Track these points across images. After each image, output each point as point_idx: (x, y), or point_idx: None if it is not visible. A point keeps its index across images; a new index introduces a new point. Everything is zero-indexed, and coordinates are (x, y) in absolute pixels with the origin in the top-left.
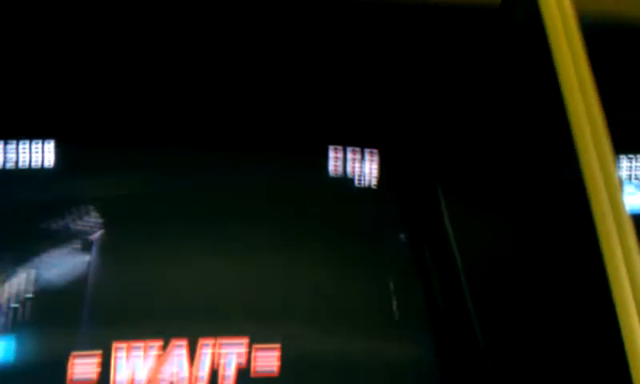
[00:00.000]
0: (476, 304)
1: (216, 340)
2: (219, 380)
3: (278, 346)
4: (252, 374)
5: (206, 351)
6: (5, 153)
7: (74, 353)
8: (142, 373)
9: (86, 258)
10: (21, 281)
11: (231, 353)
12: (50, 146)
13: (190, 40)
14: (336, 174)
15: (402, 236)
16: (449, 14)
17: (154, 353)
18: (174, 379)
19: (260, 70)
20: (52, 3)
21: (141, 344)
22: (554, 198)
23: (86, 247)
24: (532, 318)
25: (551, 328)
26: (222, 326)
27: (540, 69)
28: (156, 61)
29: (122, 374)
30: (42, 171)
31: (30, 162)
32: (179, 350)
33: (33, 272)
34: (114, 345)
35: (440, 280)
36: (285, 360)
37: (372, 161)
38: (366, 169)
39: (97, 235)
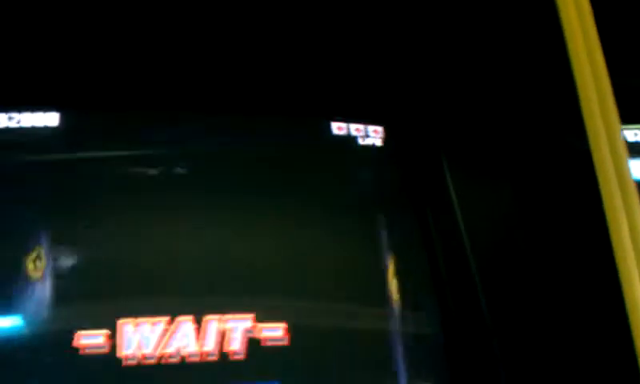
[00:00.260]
0: (481, 274)
1: (221, 317)
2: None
3: (283, 321)
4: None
5: (212, 327)
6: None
7: (81, 331)
8: (150, 347)
9: (91, 233)
10: (26, 257)
11: (237, 328)
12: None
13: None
14: (340, 142)
15: (407, 207)
16: None
17: (160, 328)
18: (183, 353)
19: (265, 45)
20: None
21: (146, 320)
22: (559, 166)
23: (90, 223)
24: (537, 288)
25: (555, 298)
26: (226, 302)
27: (547, 33)
28: (162, 24)
29: (129, 349)
30: (44, 138)
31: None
32: (186, 326)
33: (38, 248)
34: (119, 322)
35: (445, 251)
36: (291, 332)
37: (375, 131)
38: (369, 139)
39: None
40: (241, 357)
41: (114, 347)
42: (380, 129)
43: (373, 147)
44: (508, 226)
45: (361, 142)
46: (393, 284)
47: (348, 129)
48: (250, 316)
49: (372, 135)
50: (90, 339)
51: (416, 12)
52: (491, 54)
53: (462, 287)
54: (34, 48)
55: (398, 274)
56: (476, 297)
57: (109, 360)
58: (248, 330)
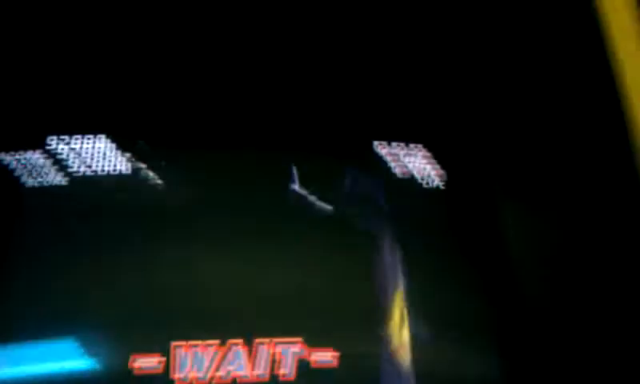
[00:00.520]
0: (534, 305)
1: (271, 340)
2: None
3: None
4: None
5: (263, 349)
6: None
7: (136, 354)
8: (202, 370)
9: (146, 261)
10: (82, 284)
11: (287, 352)
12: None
13: (241, 42)
14: (386, 173)
15: (458, 238)
16: None
17: (212, 351)
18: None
19: (304, 67)
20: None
21: (198, 343)
22: (610, 198)
23: (144, 250)
24: (590, 321)
25: (608, 330)
26: (276, 327)
27: (595, 54)
28: (209, 62)
29: (182, 372)
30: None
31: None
32: (237, 349)
33: (94, 275)
34: (173, 344)
35: (495, 275)
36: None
37: (421, 157)
38: (416, 166)
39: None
40: (291, 379)
41: (167, 369)
42: (437, 168)
43: (422, 184)
44: (560, 259)
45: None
46: (437, 314)
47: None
48: (299, 340)
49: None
50: (145, 361)
51: (464, 44)
52: (541, 86)
53: (515, 317)
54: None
55: (444, 305)
56: (529, 333)
57: (162, 382)
58: (298, 354)
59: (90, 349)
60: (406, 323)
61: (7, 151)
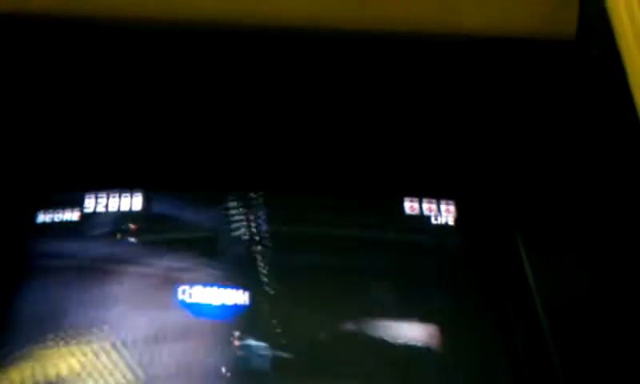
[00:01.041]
0: (560, 356)
1: None
2: None
3: None
4: None
5: None
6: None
7: None
8: None
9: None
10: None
11: None
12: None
13: (277, 95)
14: (413, 225)
15: (481, 287)
16: (524, 47)
17: None
18: None
19: (335, 122)
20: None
21: None
22: (635, 243)
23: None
24: (616, 366)
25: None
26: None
27: (618, 105)
28: (242, 109)
29: None
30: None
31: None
32: None
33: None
34: None
35: (521, 328)
36: None
37: (449, 211)
38: (442, 219)
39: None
40: None
41: None
42: (452, 208)
43: (446, 226)
44: (585, 306)
45: (434, 221)
46: (469, 368)
47: (421, 209)
48: None
49: (444, 215)
50: None
51: (485, 90)
52: (561, 128)
53: (540, 369)
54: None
55: (474, 359)
56: (555, 379)
57: None
58: None
59: None
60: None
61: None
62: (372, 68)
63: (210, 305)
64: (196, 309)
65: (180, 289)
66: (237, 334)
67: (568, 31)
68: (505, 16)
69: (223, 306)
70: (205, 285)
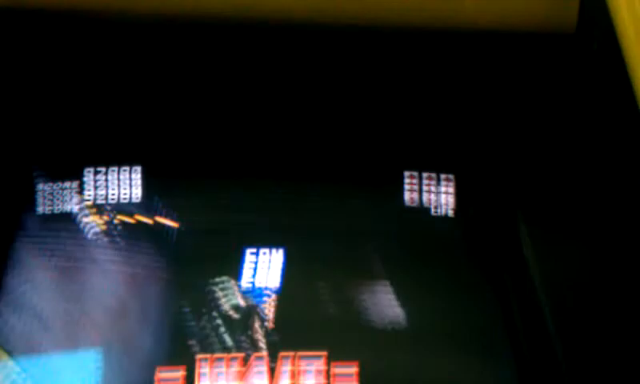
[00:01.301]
0: (558, 334)
1: (295, 354)
2: None
3: (355, 362)
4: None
5: (286, 365)
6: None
7: (160, 366)
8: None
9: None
10: (109, 297)
11: (310, 365)
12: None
13: (274, 74)
14: (412, 201)
15: (481, 264)
16: (525, 41)
17: (235, 367)
18: None
19: (335, 99)
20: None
21: (223, 356)
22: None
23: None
24: (616, 346)
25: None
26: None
27: (618, 96)
28: (243, 93)
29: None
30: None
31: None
32: (259, 363)
33: (120, 290)
34: (198, 357)
35: (520, 307)
36: (363, 377)
37: (448, 186)
38: (442, 195)
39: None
40: None
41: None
42: (452, 182)
43: (445, 200)
44: (586, 285)
45: (433, 195)
46: (468, 341)
47: (420, 183)
48: (323, 354)
49: (444, 188)
50: (169, 374)
51: (487, 70)
52: (562, 114)
53: (539, 346)
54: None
55: (474, 333)
56: (555, 358)
57: None
58: (321, 370)
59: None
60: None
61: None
62: (372, 54)
63: None
64: None
65: None
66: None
67: (568, 25)
68: (505, 9)
69: None
70: None
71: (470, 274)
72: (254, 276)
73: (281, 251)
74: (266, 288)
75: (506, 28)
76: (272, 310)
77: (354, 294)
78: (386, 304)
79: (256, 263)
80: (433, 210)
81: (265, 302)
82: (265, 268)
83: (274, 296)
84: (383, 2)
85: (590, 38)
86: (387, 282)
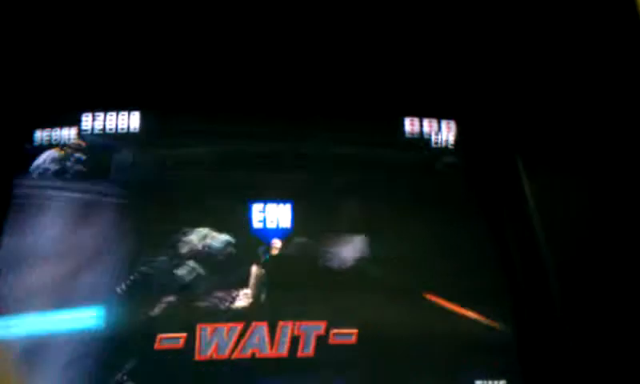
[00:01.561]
0: (556, 271)
1: (294, 322)
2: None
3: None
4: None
5: (286, 331)
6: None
7: (161, 334)
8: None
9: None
10: (114, 262)
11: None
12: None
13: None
14: (413, 144)
15: (482, 206)
16: None
17: (235, 332)
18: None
19: (336, 43)
20: None
21: (223, 325)
22: (635, 164)
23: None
24: (613, 290)
25: (632, 299)
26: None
27: (624, 29)
28: (240, 30)
29: (206, 352)
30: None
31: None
32: (260, 330)
33: (123, 254)
34: (199, 325)
35: (520, 250)
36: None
37: (449, 130)
38: (442, 137)
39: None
40: (310, 355)
41: (192, 349)
42: (453, 127)
43: (446, 145)
44: (584, 224)
45: (434, 140)
46: (465, 284)
47: (421, 129)
48: (323, 323)
49: (445, 134)
50: (170, 341)
51: (488, 9)
52: (565, 50)
53: (537, 287)
54: (118, 53)
55: (471, 273)
56: (551, 298)
57: (186, 359)
58: (320, 336)
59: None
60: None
61: (42, 128)
62: None
63: None
64: None
65: None
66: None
67: None
68: None
69: None
70: None
71: (469, 212)
72: (259, 225)
73: (286, 204)
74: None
75: None
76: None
77: (350, 231)
78: (382, 238)
79: (260, 212)
80: (433, 151)
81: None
82: (270, 218)
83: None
84: None
85: None
86: (384, 219)
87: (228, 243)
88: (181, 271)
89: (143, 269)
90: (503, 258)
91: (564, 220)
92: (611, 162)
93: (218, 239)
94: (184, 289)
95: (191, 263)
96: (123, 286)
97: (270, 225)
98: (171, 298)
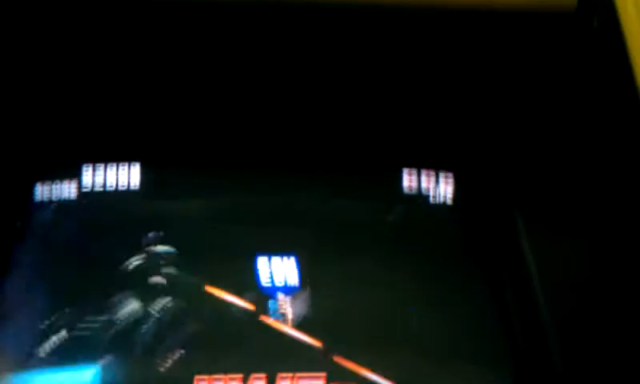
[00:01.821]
0: (556, 333)
1: (294, 375)
2: None
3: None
4: None
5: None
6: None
7: None
8: None
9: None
10: (105, 310)
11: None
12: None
13: (274, 66)
14: (411, 198)
15: (479, 262)
16: (524, 20)
17: None
18: None
19: (337, 93)
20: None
21: (221, 377)
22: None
23: (166, 278)
24: (612, 344)
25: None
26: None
27: (619, 79)
28: (239, 84)
29: None
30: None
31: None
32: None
33: (116, 302)
34: (196, 378)
35: (518, 306)
36: None
37: (447, 184)
38: (441, 192)
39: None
40: None
41: None
42: (451, 180)
43: (444, 198)
44: (583, 285)
45: (432, 193)
46: (464, 341)
47: (419, 181)
48: (322, 375)
49: (443, 187)
50: None
51: (485, 62)
52: (561, 103)
53: (536, 346)
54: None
55: (470, 332)
56: (551, 356)
57: None
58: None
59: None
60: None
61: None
62: (371, 38)
63: None
64: None
65: None
66: None
67: (569, 3)
68: None
69: None
70: None
71: (466, 270)
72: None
73: (290, 258)
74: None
75: (505, 8)
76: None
77: (348, 288)
78: (380, 296)
79: (260, 268)
80: (431, 204)
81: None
82: (276, 272)
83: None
84: None
85: (591, 16)
86: (381, 276)
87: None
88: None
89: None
90: (502, 319)
91: (565, 281)
92: (613, 223)
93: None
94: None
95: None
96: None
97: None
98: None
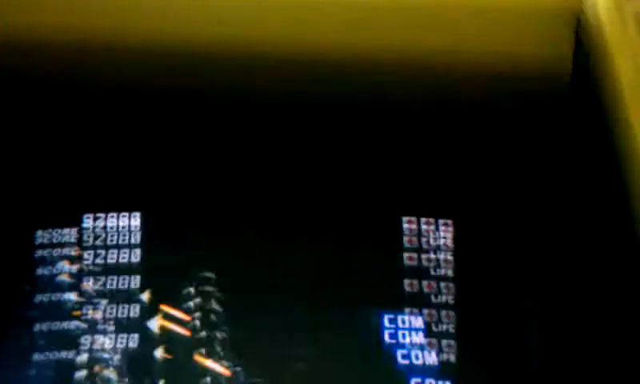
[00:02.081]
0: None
1: None
2: None
3: None
4: None
5: None
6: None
7: None
8: None
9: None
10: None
11: None
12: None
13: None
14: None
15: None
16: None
17: None
18: None
19: (330, 142)
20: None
21: None
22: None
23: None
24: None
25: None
26: None
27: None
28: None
29: None
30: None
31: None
32: None
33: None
34: None
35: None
36: None
37: (447, 231)
38: (440, 240)
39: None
40: None
41: None
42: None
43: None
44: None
45: (432, 240)
46: None
47: (419, 228)
48: None
49: (443, 234)
50: None
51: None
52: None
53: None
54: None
55: None
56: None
57: None
58: None
59: None
60: None
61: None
62: (368, 91)
63: None
64: None
65: None
66: None
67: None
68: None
69: None
70: None
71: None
72: None
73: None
74: None
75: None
76: None
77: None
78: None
79: None
80: (431, 251)
81: None
82: None
83: None
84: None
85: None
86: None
87: None
88: None
89: None
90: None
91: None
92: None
93: None
94: None
95: None
96: None
97: None
98: None
